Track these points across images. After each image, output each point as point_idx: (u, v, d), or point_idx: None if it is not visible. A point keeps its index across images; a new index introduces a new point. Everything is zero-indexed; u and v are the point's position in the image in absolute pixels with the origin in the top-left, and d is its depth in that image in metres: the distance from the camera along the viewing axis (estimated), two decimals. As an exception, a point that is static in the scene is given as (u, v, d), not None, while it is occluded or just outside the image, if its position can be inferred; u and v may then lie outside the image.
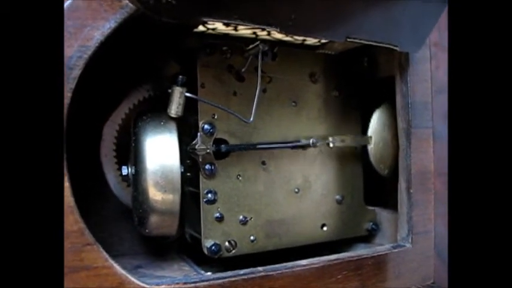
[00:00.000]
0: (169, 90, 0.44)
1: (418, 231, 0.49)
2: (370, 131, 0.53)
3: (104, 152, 0.53)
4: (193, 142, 0.45)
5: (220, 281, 0.40)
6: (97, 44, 0.35)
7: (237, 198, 0.47)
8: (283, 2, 0.39)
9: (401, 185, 0.50)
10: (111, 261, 0.37)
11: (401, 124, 0.50)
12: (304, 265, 0.44)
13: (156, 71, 0.54)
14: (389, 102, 0.53)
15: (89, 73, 0.36)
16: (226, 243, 0.46)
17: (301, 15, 0.41)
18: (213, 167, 0.45)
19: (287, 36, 0.53)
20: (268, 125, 0.49)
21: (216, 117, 0.46)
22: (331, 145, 0.51)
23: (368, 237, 0.55)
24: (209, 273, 0.44)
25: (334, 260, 0.45)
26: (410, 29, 0.46)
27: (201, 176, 0.45)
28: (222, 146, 0.46)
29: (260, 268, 0.42)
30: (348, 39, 0.44)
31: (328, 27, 0.43)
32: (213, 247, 0.45)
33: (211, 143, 0.45)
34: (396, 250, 0.48)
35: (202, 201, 0.45)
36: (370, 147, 0.53)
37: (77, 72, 0.35)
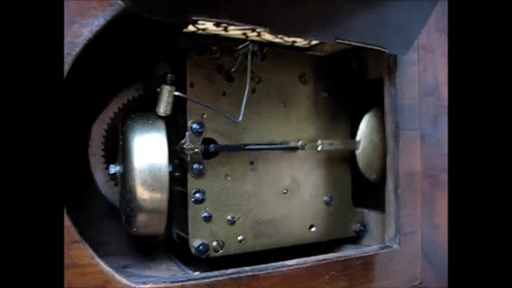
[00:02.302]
0: (158, 89, 0.44)
1: (405, 231, 0.49)
2: (359, 136, 0.54)
3: (93, 151, 0.52)
4: (182, 141, 0.45)
5: (207, 280, 0.40)
6: (85, 41, 0.35)
7: (225, 198, 0.47)
8: (273, 2, 0.40)
9: (389, 185, 0.50)
10: (98, 259, 0.36)
11: (389, 126, 0.51)
12: (291, 265, 0.44)
13: (146, 70, 0.54)
14: (378, 107, 0.54)
15: (78, 71, 0.36)
16: (214, 243, 0.46)
17: (291, 16, 0.41)
18: (201, 167, 0.45)
19: (277, 37, 0.54)
20: (257, 125, 0.49)
21: (205, 116, 0.46)
22: (319, 148, 0.51)
23: (356, 239, 0.55)
24: (197, 273, 0.43)
25: (322, 260, 0.45)
26: (398, 32, 0.46)
27: (189, 176, 0.45)
28: (211, 145, 0.46)
29: (247, 268, 0.42)
30: (337, 41, 0.44)
31: (318, 28, 0.43)
32: (201, 247, 0.45)
33: (199, 143, 0.45)
34: (384, 251, 0.49)
35: (190, 200, 0.45)
36: (358, 152, 0.53)
37: (65, 68, 0.35)
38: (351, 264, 0.46)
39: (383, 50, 0.46)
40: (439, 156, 0.53)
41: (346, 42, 0.44)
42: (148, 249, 0.52)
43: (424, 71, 0.52)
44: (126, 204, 0.43)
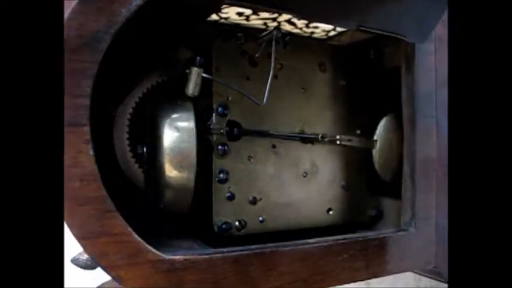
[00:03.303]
0: (187, 71, 0.45)
1: (420, 216, 0.51)
2: (376, 135, 0.55)
3: (117, 135, 0.54)
4: (208, 122, 0.46)
5: (233, 254, 0.41)
6: (123, 20, 0.37)
7: (248, 179, 0.49)
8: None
9: (406, 171, 0.52)
10: (130, 229, 0.38)
11: (406, 113, 0.52)
12: (312, 243, 0.45)
13: (168, 56, 0.55)
14: (396, 111, 0.55)
15: (112, 52, 0.38)
16: (237, 223, 0.48)
17: (317, 3, 0.43)
18: (225, 148, 0.47)
19: (296, 28, 0.56)
20: (278, 109, 0.51)
21: (229, 99, 0.48)
22: (338, 142, 0.53)
23: (371, 224, 0.57)
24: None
25: (341, 239, 0.47)
26: (417, 21, 0.48)
27: (214, 156, 0.47)
28: (235, 129, 0.47)
29: (271, 244, 0.44)
30: (360, 28, 0.46)
31: (342, 15, 0.45)
32: (224, 225, 0.47)
33: (224, 124, 0.47)
34: (400, 233, 0.50)
35: (214, 180, 0.47)
36: (375, 151, 0.55)
37: (103, 46, 0.36)
38: (368, 245, 0.48)
39: (402, 38, 0.48)
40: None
41: (369, 29, 0.46)
42: (169, 230, 0.53)
43: (440, 61, 0.54)
44: (154, 182, 0.45)
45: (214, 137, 0.46)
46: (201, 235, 0.49)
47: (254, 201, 0.49)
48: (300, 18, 0.45)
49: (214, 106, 0.47)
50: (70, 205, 0.35)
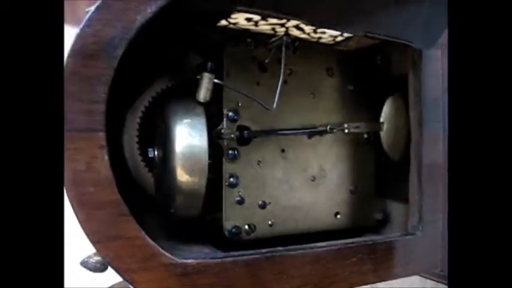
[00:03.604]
0: (198, 77, 0.46)
1: (427, 220, 0.52)
2: (383, 118, 0.56)
3: (126, 138, 0.54)
4: (219, 127, 0.47)
5: (245, 258, 0.42)
6: (139, 27, 0.37)
7: (257, 183, 0.49)
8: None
9: (413, 175, 0.52)
10: (144, 233, 0.38)
11: (413, 118, 0.53)
12: (321, 247, 0.46)
13: (178, 62, 0.56)
14: (401, 91, 0.56)
15: (126, 57, 0.38)
16: (246, 227, 0.48)
17: (325, 9, 0.44)
18: (236, 152, 0.48)
19: (304, 33, 0.56)
20: (288, 114, 0.51)
21: (240, 105, 0.48)
22: (346, 131, 0.53)
23: (377, 228, 0.57)
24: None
25: (350, 243, 0.47)
26: (424, 27, 0.48)
27: (224, 160, 0.47)
28: (245, 132, 0.48)
29: (281, 248, 0.44)
30: (367, 34, 0.46)
31: (349, 21, 0.45)
32: (234, 229, 0.47)
33: (234, 129, 0.47)
34: (407, 237, 0.51)
35: (224, 184, 0.47)
36: (382, 133, 0.55)
37: (119, 52, 0.37)
38: (376, 249, 0.48)
39: (409, 44, 0.48)
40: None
41: (376, 35, 0.47)
42: (180, 235, 0.54)
43: (446, 67, 0.54)
44: (165, 186, 0.45)
45: (225, 142, 0.47)
46: (212, 239, 0.50)
47: (263, 206, 0.49)
48: (308, 24, 0.46)
49: (225, 111, 0.47)
50: (85, 210, 0.36)
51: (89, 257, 0.49)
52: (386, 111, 0.56)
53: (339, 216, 0.54)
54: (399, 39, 0.48)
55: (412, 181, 0.52)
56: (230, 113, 0.48)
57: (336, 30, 0.50)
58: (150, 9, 0.38)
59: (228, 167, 0.48)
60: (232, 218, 0.48)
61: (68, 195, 0.35)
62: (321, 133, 0.52)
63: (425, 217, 0.51)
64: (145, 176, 0.54)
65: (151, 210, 0.50)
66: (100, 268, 0.47)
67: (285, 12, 0.43)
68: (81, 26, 0.36)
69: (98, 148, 0.37)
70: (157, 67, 0.56)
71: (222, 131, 0.47)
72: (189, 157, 0.44)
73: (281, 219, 0.50)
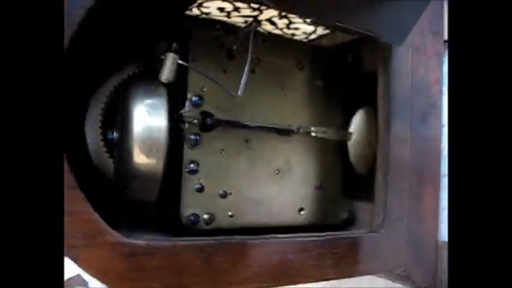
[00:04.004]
0: (162, 57, 0.45)
1: (392, 218, 0.50)
2: (352, 128, 0.55)
3: (89, 124, 0.53)
4: (181, 110, 0.46)
5: (199, 243, 0.40)
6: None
7: (219, 172, 0.48)
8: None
9: (379, 172, 0.51)
10: (91, 209, 0.36)
11: (382, 115, 0.52)
12: (281, 238, 0.44)
13: (146, 49, 0.55)
14: (373, 103, 0.55)
15: (80, 42, 0.36)
16: (205, 216, 0.47)
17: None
18: (197, 138, 0.46)
19: (277, 28, 0.56)
20: (254, 104, 0.50)
21: (204, 90, 0.47)
22: (313, 134, 0.52)
23: (343, 227, 0.56)
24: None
25: (311, 236, 0.46)
26: (395, 23, 0.48)
27: (185, 146, 0.46)
28: (208, 118, 0.47)
29: (238, 237, 0.43)
30: (338, 24, 0.46)
31: (322, 10, 0.45)
32: (192, 217, 0.46)
33: (198, 114, 0.46)
34: (370, 234, 0.49)
35: (184, 170, 0.46)
36: (350, 144, 0.55)
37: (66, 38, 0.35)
38: (338, 244, 0.47)
39: (379, 38, 0.48)
40: (425, 153, 0.55)
41: (347, 26, 0.46)
42: (137, 222, 0.52)
43: (416, 69, 0.54)
44: (122, 167, 0.44)
45: (187, 125, 0.46)
46: (168, 226, 0.48)
47: (224, 195, 0.48)
48: (279, 9, 0.45)
49: (189, 95, 0.46)
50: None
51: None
52: (356, 122, 0.55)
53: (302, 212, 0.53)
54: (370, 33, 0.47)
55: (377, 180, 0.52)
56: (194, 98, 0.46)
57: (307, 18, 0.49)
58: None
59: (189, 153, 0.46)
60: (191, 206, 0.46)
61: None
62: (288, 133, 0.51)
63: (390, 215, 0.50)
64: (106, 160, 0.52)
65: (110, 196, 0.48)
66: None
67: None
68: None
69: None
70: (124, 54, 0.55)
71: (184, 114, 0.45)
72: (147, 137, 0.43)
73: (242, 211, 0.49)
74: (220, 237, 0.42)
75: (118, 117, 0.47)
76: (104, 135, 0.51)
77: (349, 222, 0.56)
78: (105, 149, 0.52)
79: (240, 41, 0.49)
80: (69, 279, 0.47)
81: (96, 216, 0.36)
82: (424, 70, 0.56)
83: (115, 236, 0.37)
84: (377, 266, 0.49)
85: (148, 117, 0.43)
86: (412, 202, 0.53)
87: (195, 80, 0.47)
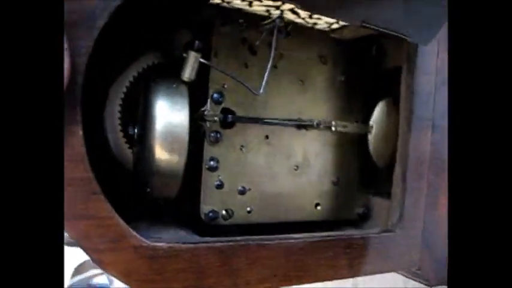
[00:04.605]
0: (184, 55, 0.44)
1: (408, 217, 0.51)
2: (372, 121, 0.55)
3: (109, 112, 0.53)
4: (202, 109, 0.46)
5: (219, 244, 0.41)
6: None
7: (238, 168, 0.48)
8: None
9: (398, 170, 0.51)
10: (115, 213, 0.37)
11: (403, 112, 0.52)
12: (297, 238, 0.45)
13: (166, 38, 0.54)
14: (394, 95, 0.55)
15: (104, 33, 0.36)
16: (223, 212, 0.47)
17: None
18: (218, 135, 0.46)
19: (299, 18, 0.54)
20: (274, 100, 0.50)
21: (225, 86, 0.47)
22: (333, 129, 0.52)
23: (358, 223, 0.56)
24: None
25: (326, 236, 0.46)
26: (423, 23, 0.47)
27: (205, 143, 0.46)
28: (229, 116, 0.47)
29: (256, 237, 0.43)
30: (364, 24, 0.45)
31: (347, 9, 0.44)
32: (211, 213, 0.46)
33: (219, 111, 0.46)
34: (385, 234, 0.50)
35: (204, 167, 0.46)
36: (370, 137, 0.54)
37: (100, 23, 0.35)
38: (352, 243, 0.47)
39: (406, 38, 0.47)
40: (446, 149, 0.54)
41: (372, 26, 0.45)
42: (156, 216, 0.53)
43: (442, 64, 0.53)
44: (143, 164, 0.44)
45: (208, 124, 0.46)
46: (187, 222, 0.49)
47: (243, 191, 0.48)
48: (304, 9, 0.44)
49: (210, 92, 0.46)
50: (55, 185, 0.34)
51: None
52: (376, 115, 0.55)
53: (319, 207, 0.53)
54: (396, 33, 0.46)
55: (396, 177, 0.51)
56: (215, 95, 0.46)
57: (332, 18, 0.48)
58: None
59: (209, 150, 0.46)
60: (210, 202, 0.47)
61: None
62: (307, 127, 0.51)
63: (406, 215, 0.51)
64: (125, 153, 0.53)
65: (129, 188, 0.49)
66: None
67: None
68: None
69: (73, 123, 0.35)
70: (145, 43, 0.54)
71: (206, 112, 0.45)
72: (169, 135, 0.43)
73: (260, 207, 0.49)
74: (239, 238, 0.42)
75: (139, 113, 0.47)
76: (124, 128, 0.51)
77: (364, 217, 0.56)
78: (124, 140, 0.53)
79: (263, 36, 0.48)
80: (81, 264, 0.48)
81: (120, 220, 0.37)
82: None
83: (138, 239, 0.38)
84: (391, 265, 0.50)
85: (170, 115, 0.43)
86: (429, 199, 0.53)
87: (216, 77, 0.46)
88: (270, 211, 0.50)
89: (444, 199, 0.54)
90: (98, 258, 0.36)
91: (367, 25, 0.45)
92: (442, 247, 0.53)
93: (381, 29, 0.46)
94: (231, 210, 0.48)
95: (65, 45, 0.31)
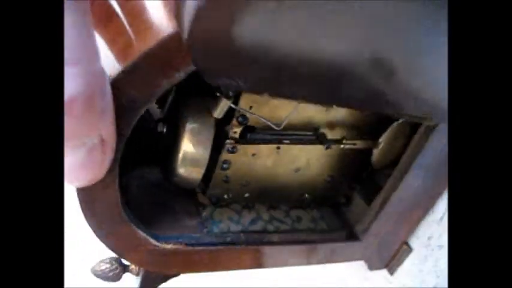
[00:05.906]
0: (218, 94, 0.48)
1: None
2: (382, 139, 0.58)
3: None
4: (227, 127, 0.52)
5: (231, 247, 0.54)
6: (162, 92, 0.38)
7: (246, 169, 0.56)
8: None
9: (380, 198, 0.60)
10: (133, 225, 0.47)
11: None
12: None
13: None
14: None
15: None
16: (225, 196, 0.58)
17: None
18: (235, 149, 0.53)
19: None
20: (292, 117, 0.53)
21: (252, 109, 0.51)
22: (341, 146, 0.58)
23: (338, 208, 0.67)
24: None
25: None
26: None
27: (223, 150, 0.53)
28: (249, 134, 0.53)
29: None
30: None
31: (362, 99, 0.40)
32: (213, 199, 0.58)
33: (240, 131, 0.52)
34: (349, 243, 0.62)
35: (218, 166, 0.55)
36: (375, 150, 0.59)
37: (139, 112, 0.39)
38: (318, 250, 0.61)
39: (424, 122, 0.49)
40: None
41: (390, 113, 0.46)
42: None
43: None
44: (170, 155, 0.52)
45: (228, 142, 0.52)
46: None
47: (246, 185, 0.58)
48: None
49: (236, 114, 0.51)
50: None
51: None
52: (387, 135, 0.58)
53: (306, 195, 0.63)
54: (414, 118, 0.48)
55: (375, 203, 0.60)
56: (240, 118, 0.51)
57: (348, 107, 0.49)
58: (179, 75, 0.38)
59: (224, 156, 0.54)
60: (217, 192, 0.57)
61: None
62: (319, 143, 0.57)
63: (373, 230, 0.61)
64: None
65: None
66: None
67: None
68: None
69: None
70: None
71: (228, 131, 0.52)
72: (193, 156, 0.51)
73: (256, 194, 0.60)
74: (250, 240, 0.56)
75: (169, 116, 0.52)
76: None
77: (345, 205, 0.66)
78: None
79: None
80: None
81: (137, 229, 0.48)
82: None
83: (154, 244, 0.49)
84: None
85: (196, 138, 0.50)
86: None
87: (244, 101, 0.50)
88: (264, 198, 0.61)
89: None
90: (125, 258, 0.49)
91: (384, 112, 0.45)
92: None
93: (399, 116, 0.47)
94: (232, 195, 0.58)
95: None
